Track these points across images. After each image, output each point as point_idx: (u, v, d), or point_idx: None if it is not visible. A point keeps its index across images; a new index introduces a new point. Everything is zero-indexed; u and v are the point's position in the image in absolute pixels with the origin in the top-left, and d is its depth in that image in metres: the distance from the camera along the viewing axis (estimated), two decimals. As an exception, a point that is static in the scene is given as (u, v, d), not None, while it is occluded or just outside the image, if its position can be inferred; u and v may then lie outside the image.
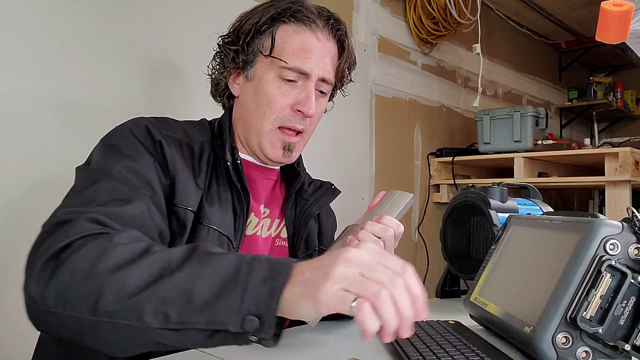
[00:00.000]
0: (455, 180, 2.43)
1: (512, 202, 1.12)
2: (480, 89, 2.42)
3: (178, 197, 0.76)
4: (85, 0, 1.22)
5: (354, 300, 0.50)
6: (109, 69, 1.26)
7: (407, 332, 0.52)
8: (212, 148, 0.86)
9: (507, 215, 0.95)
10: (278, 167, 0.96)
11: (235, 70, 0.90)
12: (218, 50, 0.92)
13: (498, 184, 1.13)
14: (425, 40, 2.44)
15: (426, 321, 0.82)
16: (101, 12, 1.25)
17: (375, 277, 0.51)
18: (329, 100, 0.97)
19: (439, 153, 2.50)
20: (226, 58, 0.90)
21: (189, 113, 1.03)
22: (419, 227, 2.41)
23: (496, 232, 0.96)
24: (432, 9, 2.30)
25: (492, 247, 0.90)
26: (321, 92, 0.90)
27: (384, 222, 0.79)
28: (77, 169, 0.75)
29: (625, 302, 0.61)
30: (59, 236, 0.60)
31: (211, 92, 0.96)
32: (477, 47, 2.39)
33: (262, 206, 0.91)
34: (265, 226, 0.91)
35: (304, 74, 0.85)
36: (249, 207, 0.85)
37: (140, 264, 0.56)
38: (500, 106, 2.74)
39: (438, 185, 2.50)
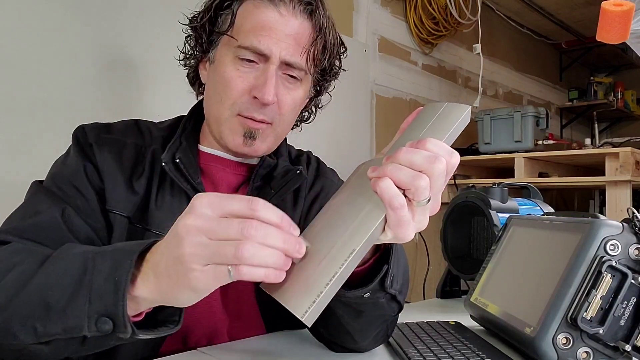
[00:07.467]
0: (456, 180, 2.43)
1: (512, 203, 1.12)
2: (480, 89, 2.42)
3: (109, 202, 0.73)
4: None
5: (230, 270, 0.47)
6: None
7: (296, 254, 0.49)
8: (163, 148, 0.79)
9: (507, 215, 0.95)
10: (255, 162, 0.84)
11: (203, 55, 0.82)
12: (186, 34, 0.84)
13: (498, 184, 1.13)
14: (426, 41, 2.44)
15: (427, 322, 0.82)
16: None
17: (225, 236, 0.47)
18: (318, 93, 0.88)
19: (440, 153, 2.49)
20: (192, 41, 0.83)
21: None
22: (419, 227, 2.41)
23: (496, 233, 0.96)
24: (433, 9, 2.30)
25: (493, 247, 0.89)
26: (291, 77, 0.78)
27: (427, 148, 0.52)
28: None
29: (626, 302, 0.61)
30: None
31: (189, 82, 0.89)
32: (478, 47, 2.39)
33: None
34: None
35: (263, 55, 0.74)
36: None
37: (4, 280, 0.55)
38: (501, 106, 2.73)
39: (438, 185, 2.50)
